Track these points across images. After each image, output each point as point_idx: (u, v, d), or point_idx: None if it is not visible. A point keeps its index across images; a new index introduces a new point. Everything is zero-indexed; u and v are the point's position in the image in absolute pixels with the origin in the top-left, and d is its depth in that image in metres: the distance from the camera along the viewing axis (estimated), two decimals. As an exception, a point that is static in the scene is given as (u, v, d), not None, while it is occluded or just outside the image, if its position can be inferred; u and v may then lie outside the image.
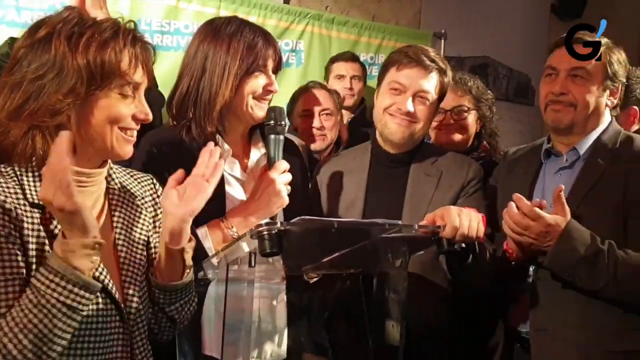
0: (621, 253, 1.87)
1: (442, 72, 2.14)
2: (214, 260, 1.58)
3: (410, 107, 2.10)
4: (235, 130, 1.92)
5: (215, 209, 1.78)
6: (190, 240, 1.48)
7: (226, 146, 1.88)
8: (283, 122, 1.86)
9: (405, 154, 2.19)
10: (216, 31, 1.85)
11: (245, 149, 1.97)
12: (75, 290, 1.24)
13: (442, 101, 2.24)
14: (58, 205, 1.21)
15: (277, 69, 1.92)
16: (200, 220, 1.73)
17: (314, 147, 3.11)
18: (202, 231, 1.76)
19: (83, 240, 1.25)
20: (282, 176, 1.79)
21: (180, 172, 1.47)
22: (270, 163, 1.82)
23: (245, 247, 1.47)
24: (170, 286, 1.49)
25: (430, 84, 2.13)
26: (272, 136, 1.84)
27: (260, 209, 1.77)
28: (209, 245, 1.74)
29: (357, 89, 3.76)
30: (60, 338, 1.24)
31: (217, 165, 1.51)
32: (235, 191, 1.87)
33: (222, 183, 1.83)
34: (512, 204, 1.88)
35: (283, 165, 1.81)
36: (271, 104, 1.93)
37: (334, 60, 3.93)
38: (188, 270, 1.50)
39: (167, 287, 1.49)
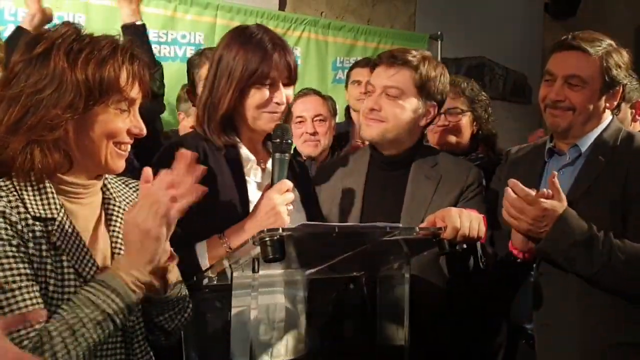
0: (617, 241, 1.89)
1: (412, 67, 2.10)
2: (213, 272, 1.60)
3: (373, 104, 2.12)
4: (250, 139, 1.92)
5: (238, 213, 1.80)
6: (170, 259, 1.45)
7: (251, 155, 1.89)
8: (290, 141, 1.81)
9: (401, 156, 2.19)
10: (233, 37, 1.88)
11: (265, 156, 1.96)
12: (125, 311, 1.30)
13: (432, 99, 2.16)
14: (145, 229, 1.28)
15: (291, 81, 1.90)
16: (223, 223, 1.77)
17: (307, 152, 3.12)
18: (200, 247, 1.75)
19: (147, 277, 1.32)
20: (282, 197, 1.75)
21: (148, 174, 1.38)
22: (273, 182, 1.79)
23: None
24: (155, 299, 1.49)
25: (396, 79, 2.10)
26: (277, 155, 1.80)
27: (258, 229, 1.70)
28: (205, 262, 1.73)
29: None
30: (89, 347, 1.27)
31: (195, 188, 1.37)
32: (257, 197, 1.85)
33: (245, 189, 1.86)
34: (509, 189, 1.90)
35: (284, 185, 1.76)
36: None
37: (353, 66, 3.94)
38: (171, 286, 1.49)
39: (152, 299, 1.49)
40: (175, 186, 1.34)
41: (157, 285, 1.46)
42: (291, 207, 1.78)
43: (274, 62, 1.83)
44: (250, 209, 1.83)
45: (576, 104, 2.06)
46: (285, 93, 1.88)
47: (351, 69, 3.93)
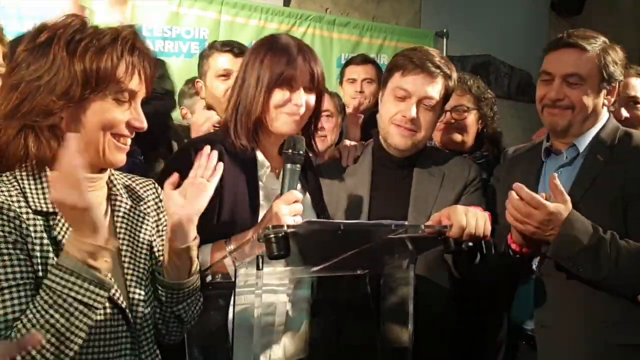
0: (623, 242, 1.87)
1: (447, 77, 2.14)
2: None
3: (414, 113, 2.10)
4: (267, 143, 1.93)
5: (250, 220, 1.81)
6: (195, 238, 1.50)
7: (266, 161, 1.91)
8: (301, 151, 1.83)
9: (407, 156, 2.20)
10: (261, 44, 1.93)
11: (280, 163, 1.95)
12: (91, 288, 1.26)
13: (446, 103, 2.26)
14: (71, 203, 1.23)
15: (313, 87, 1.90)
16: (232, 224, 1.79)
17: None
18: (204, 250, 1.76)
19: (96, 243, 1.27)
20: (289, 207, 1.74)
21: (175, 176, 1.49)
22: (282, 192, 1.79)
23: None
24: (177, 285, 1.50)
25: (435, 89, 2.12)
26: (289, 165, 1.81)
27: None
28: (207, 258, 1.74)
29: (368, 91, 3.65)
30: (77, 337, 1.26)
31: (216, 168, 1.54)
32: (269, 201, 1.86)
33: (257, 193, 1.87)
34: (513, 193, 1.88)
35: (292, 196, 1.76)
36: None
37: (347, 64, 3.89)
38: (195, 268, 1.52)
39: (174, 286, 1.50)
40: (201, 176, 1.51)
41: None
42: (299, 218, 1.76)
43: (297, 65, 1.85)
44: (261, 213, 1.83)
45: (575, 102, 2.04)
46: (306, 98, 1.87)
47: (345, 66, 3.88)
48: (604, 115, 2.12)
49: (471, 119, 2.85)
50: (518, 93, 6.26)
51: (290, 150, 1.81)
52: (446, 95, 2.17)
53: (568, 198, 1.88)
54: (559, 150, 2.14)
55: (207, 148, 1.56)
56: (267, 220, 1.74)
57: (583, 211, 1.91)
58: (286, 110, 1.86)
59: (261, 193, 1.88)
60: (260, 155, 1.91)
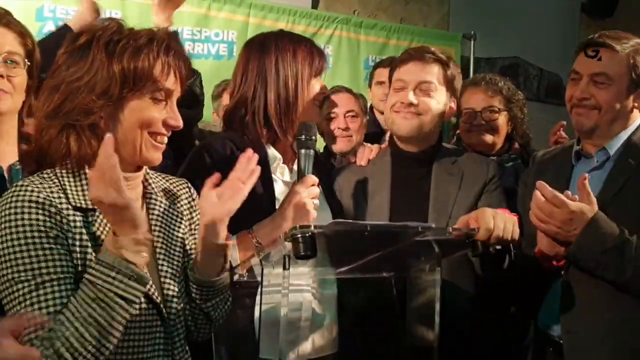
0: None
1: (442, 62, 2.16)
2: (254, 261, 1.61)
3: (411, 98, 2.11)
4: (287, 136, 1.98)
5: (265, 210, 1.85)
6: (227, 237, 1.52)
7: (277, 154, 1.95)
8: (314, 137, 1.87)
9: (424, 154, 2.20)
10: (271, 42, 1.97)
11: (293, 157, 2.02)
12: (130, 283, 1.30)
13: (454, 95, 2.23)
14: (110, 202, 1.27)
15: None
16: (251, 220, 1.81)
17: (339, 148, 3.10)
18: (231, 241, 1.79)
19: (134, 237, 1.31)
20: (308, 190, 1.80)
21: (216, 176, 1.51)
22: (299, 177, 1.84)
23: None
24: (208, 282, 1.52)
25: (431, 74, 2.14)
26: (303, 150, 1.85)
27: (286, 222, 1.78)
28: (235, 255, 1.77)
29: None
30: (116, 330, 1.29)
31: (254, 171, 1.55)
32: (284, 194, 1.89)
33: (272, 187, 1.91)
34: (537, 192, 1.86)
35: (310, 179, 1.82)
36: None
37: (376, 66, 3.89)
38: (227, 267, 1.54)
39: (205, 283, 1.52)
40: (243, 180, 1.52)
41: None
42: (317, 201, 1.82)
43: (323, 55, 2.01)
44: (276, 205, 1.86)
45: (602, 102, 2.01)
46: None
47: (374, 68, 3.88)
48: (636, 118, 2.08)
49: (502, 120, 2.83)
50: (547, 95, 6.18)
51: (303, 137, 1.86)
52: (448, 83, 2.17)
53: (594, 199, 1.86)
54: (589, 153, 2.11)
55: (249, 151, 1.58)
56: (287, 204, 1.79)
57: (611, 215, 1.88)
58: (319, 99, 1.96)
59: (276, 186, 1.92)
60: (271, 150, 1.95)
